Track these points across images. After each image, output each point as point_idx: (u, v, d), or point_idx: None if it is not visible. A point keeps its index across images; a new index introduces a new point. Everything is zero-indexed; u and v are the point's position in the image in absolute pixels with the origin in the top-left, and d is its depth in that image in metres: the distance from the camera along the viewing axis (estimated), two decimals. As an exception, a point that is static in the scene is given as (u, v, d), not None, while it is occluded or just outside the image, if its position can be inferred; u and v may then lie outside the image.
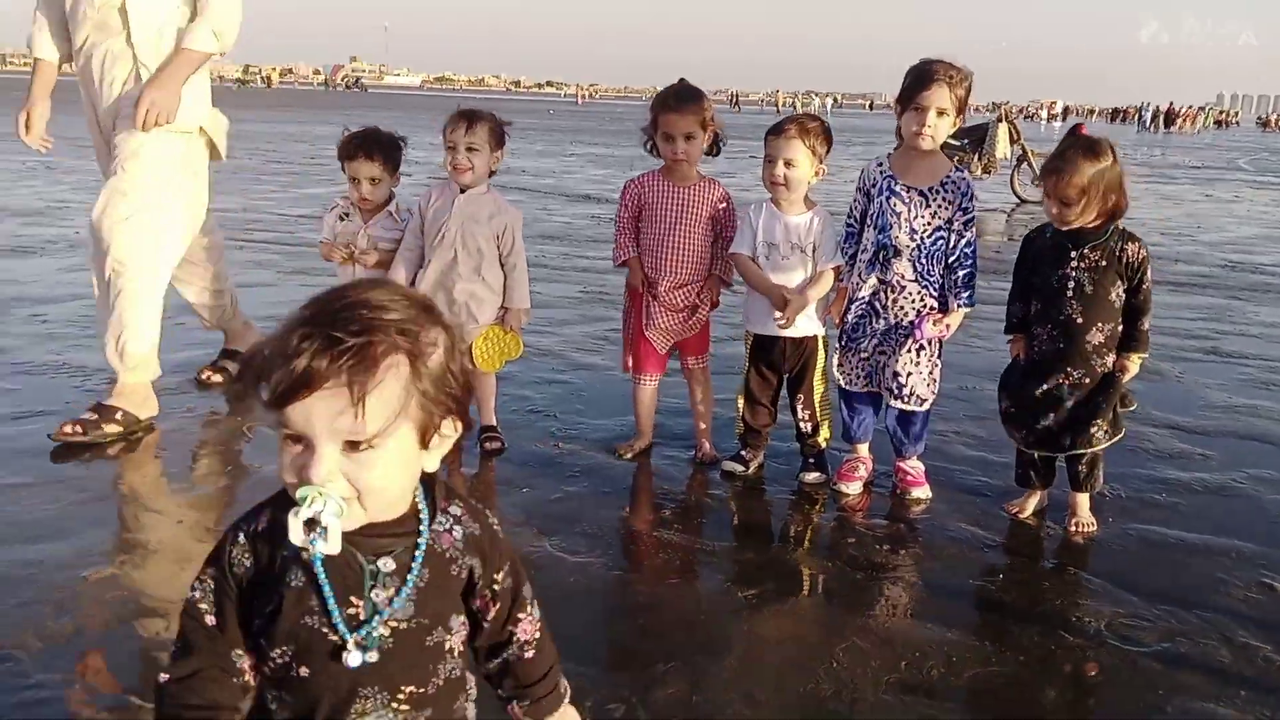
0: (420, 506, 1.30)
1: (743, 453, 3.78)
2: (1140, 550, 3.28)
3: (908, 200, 3.45)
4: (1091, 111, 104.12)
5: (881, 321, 3.54)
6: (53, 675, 2.34)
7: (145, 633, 2.55)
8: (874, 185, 3.52)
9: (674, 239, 3.73)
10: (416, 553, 1.27)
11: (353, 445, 1.16)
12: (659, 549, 3.20)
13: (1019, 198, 14.44)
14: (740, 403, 3.78)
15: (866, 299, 3.55)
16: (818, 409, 3.72)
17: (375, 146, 3.86)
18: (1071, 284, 3.20)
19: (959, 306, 3.49)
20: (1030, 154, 14.37)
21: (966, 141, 14.77)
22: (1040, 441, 3.35)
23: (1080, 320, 3.21)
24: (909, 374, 3.55)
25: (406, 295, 1.22)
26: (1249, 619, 2.83)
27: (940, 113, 3.36)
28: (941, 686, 2.46)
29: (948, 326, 3.50)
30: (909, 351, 3.54)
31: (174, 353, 4.60)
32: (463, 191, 3.75)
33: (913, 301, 3.50)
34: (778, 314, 3.54)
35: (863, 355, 3.62)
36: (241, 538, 1.28)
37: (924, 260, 3.46)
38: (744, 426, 3.79)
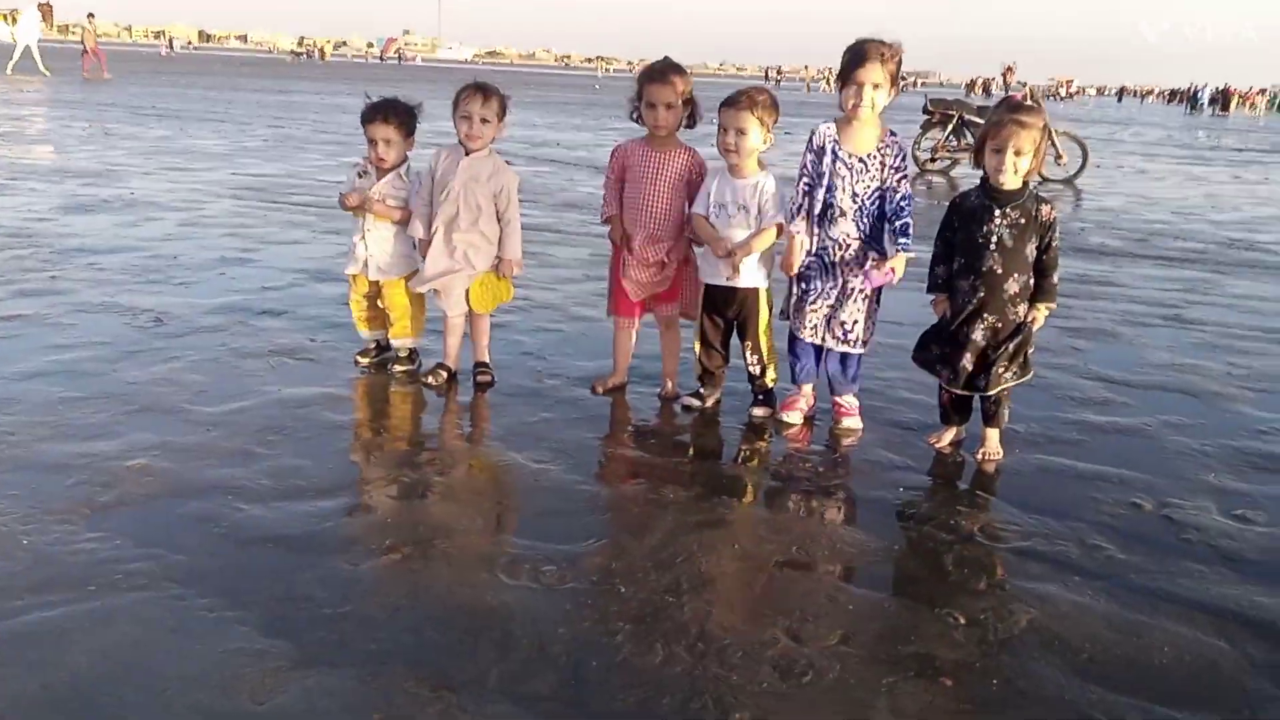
0: None
1: (701, 390, 4.27)
2: (1034, 475, 3.74)
3: (850, 165, 3.86)
4: (1150, 92, 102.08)
5: (829, 278, 3.99)
6: (97, 533, 2.93)
7: (175, 508, 3.13)
8: (822, 148, 3.91)
9: (647, 200, 4.17)
10: None
11: None
12: (611, 461, 3.72)
13: (1041, 176, 14.62)
14: (696, 346, 4.26)
15: (815, 253, 3.98)
16: (765, 354, 4.15)
17: (391, 112, 4.38)
18: (995, 239, 3.63)
19: (899, 251, 3.87)
20: (1054, 132, 14.53)
21: (992, 120, 15.00)
22: (959, 379, 3.79)
23: (1000, 270, 3.64)
24: (854, 321, 4.02)
25: None
26: (1106, 527, 3.29)
27: (875, 86, 3.78)
28: (824, 561, 2.97)
29: (892, 270, 3.84)
30: (854, 301, 4.00)
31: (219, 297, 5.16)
32: (468, 154, 4.24)
33: (857, 257, 3.94)
34: (722, 265, 4.01)
35: (812, 306, 4.03)
36: None
37: (865, 220, 3.91)
38: (700, 367, 4.27)
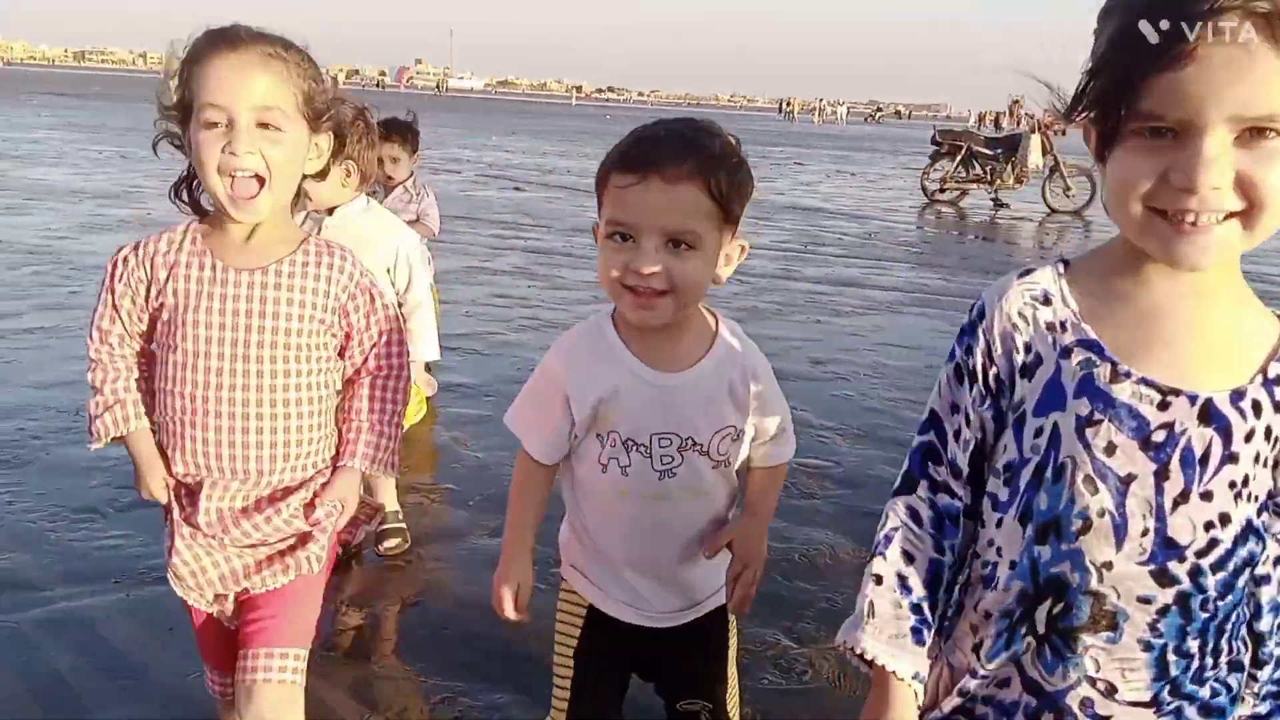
0: None
1: None
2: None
3: (1180, 429, 1.01)
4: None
5: None
6: (120, 530, 3.03)
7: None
8: (1035, 363, 1.08)
9: (215, 372, 1.61)
10: None
11: None
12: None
13: (1049, 207, 14.78)
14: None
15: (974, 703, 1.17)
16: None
17: (393, 129, 4.50)
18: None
19: None
20: (1063, 165, 14.70)
21: (1000, 151, 15.18)
22: None
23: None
24: None
25: None
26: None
27: (1259, 131, 0.93)
28: (826, 569, 3.05)
29: None
30: None
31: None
32: (330, 213, 2.72)
33: None
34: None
35: None
36: None
37: (1207, 633, 1.05)
38: None
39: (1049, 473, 1.05)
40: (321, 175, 1.71)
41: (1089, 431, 1.02)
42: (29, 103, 28.59)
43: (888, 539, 1.19)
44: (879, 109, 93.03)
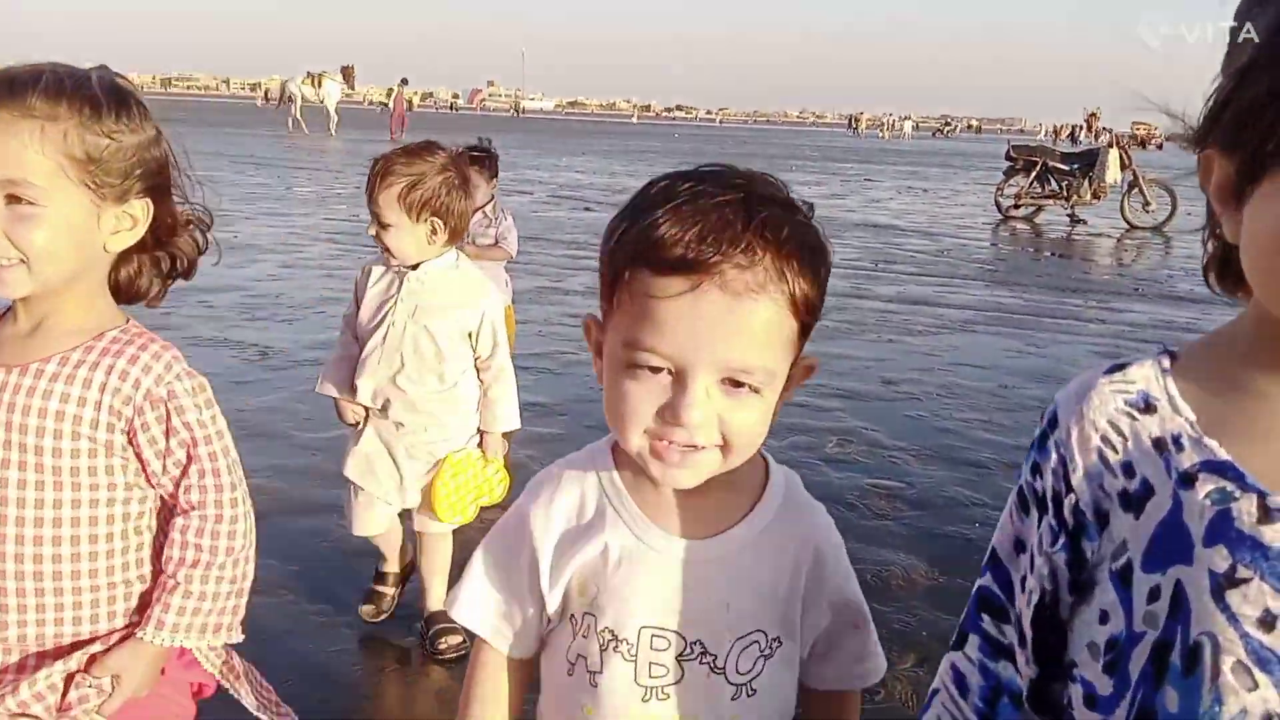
0: None
1: None
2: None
3: None
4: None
5: None
6: None
7: (287, 524, 3.36)
8: (1142, 494, 0.76)
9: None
10: None
11: None
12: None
13: (1128, 223, 14.48)
14: None
15: None
16: None
17: (470, 155, 4.63)
18: None
19: None
20: (1142, 179, 14.41)
21: (1076, 166, 14.92)
22: None
23: None
24: None
25: None
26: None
27: None
28: (899, 591, 3.06)
29: None
30: None
31: None
32: (414, 267, 2.53)
33: None
34: None
35: None
36: None
37: None
38: None
39: (1176, 657, 0.71)
40: (150, 247, 1.41)
41: (1233, 595, 0.69)
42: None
43: (926, 705, 0.91)
44: (948, 123, 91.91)
